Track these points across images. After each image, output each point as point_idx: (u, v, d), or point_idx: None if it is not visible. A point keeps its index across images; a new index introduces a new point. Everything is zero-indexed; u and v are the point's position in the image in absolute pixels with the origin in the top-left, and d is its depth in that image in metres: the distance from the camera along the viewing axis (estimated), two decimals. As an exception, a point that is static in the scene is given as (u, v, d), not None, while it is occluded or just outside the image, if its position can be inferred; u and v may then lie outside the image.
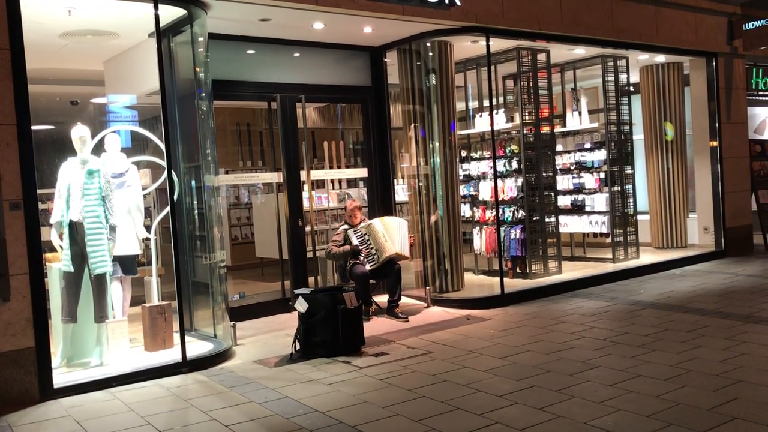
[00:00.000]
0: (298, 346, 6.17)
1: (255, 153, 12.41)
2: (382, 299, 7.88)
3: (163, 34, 6.40)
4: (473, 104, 10.09)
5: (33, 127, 5.29)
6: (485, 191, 9.44)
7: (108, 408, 5.00)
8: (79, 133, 5.94)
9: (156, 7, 5.97)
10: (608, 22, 9.24)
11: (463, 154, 9.85)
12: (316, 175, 8.94)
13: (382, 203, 8.94)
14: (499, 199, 9.04)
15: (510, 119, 9.41)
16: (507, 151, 9.34)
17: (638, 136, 11.28)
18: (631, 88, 10.54)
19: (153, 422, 4.63)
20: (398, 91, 8.89)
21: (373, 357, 6.01)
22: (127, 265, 6.50)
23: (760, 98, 12.37)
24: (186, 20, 6.55)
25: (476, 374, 5.34)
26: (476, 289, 8.78)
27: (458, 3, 7.66)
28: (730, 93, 11.03)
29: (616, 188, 10.00)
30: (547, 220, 9.29)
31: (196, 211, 7.02)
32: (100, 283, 5.87)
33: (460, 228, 8.63)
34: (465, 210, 9.72)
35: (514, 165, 9.23)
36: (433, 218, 8.46)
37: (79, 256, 5.84)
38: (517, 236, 9.08)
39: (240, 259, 11.39)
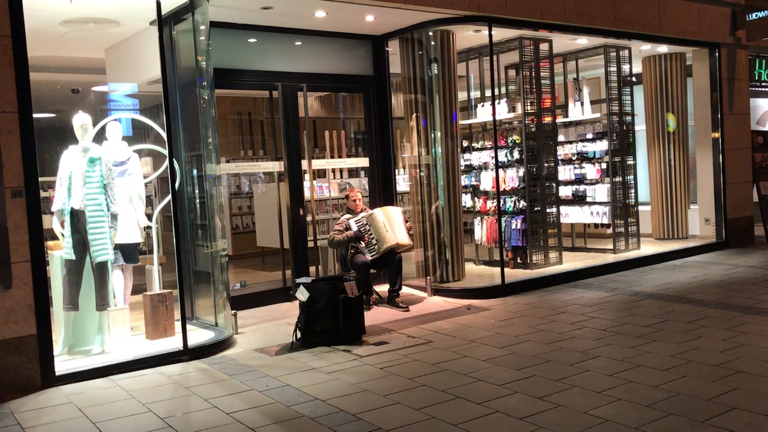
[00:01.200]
0: (298, 335, 6.19)
1: (256, 142, 12.40)
2: (382, 289, 7.90)
3: (165, 23, 6.39)
4: (475, 94, 10.07)
5: (34, 115, 5.28)
6: (486, 181, 9.44)
7: (109, 395, 5.02)
8: (81, 121, 5.93)
9: (157, -5, 5.96)
10: (611, 11, 9.20)
11: (465, 144, 9.83)
12: (318, 164, 8.94)
13: (383, 193, 8.94)
14: (501, 189, 9.04)
15: (512, 109, 9.39)
16: (509, 141, 9.32)
17: (640, 127, 11.26)
18: (634, 79, 10.51)
19: (154, 410, 4.65)
20: (400, 80, 8.87)
21: (374, 346, 6.03)
22: (128, 253, 6.51)
23: (763, 89, 12.32)
24: (187, 8, 6.53)
25: (476, 363, 5.35)
26: (477, 279, 8.79)
27: (461, -8, 7.64)
28: (732, 84, 11.00)
29: (618, 179, 9.99)
30: (548, 210, 9.30)
31: (197, 200, 7.02)
32: (101, 271, 5.88)
33: (461, 218, 8.63)
34: (466, 200, 9.72)
35: (516, 155, 9.22)
36: (434, 208, 8.47)
37: (81, 244, 5.85)
38: (518, 226, 9.08)
39: (241, 248, 11.40)
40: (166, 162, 6.17)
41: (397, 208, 7.91)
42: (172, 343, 6.12)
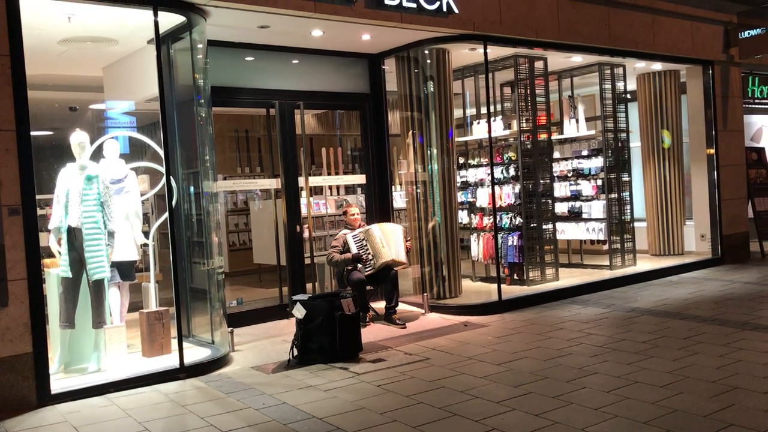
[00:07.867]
0: (295, 353, 6.17)
1: (253, 159, 12.43)
2: (379, 305, 7.89)
3: (163, 41, 6.43)
4: (471, 111, 10.13)
5: (32, 133, 5.30)
6: (483, 198, 9.47)
7: (105, 414, 5.00)
8: (78, 139, 5.95)
9: (155, 14, 5.99)
10: (605, 30, 9.29)
11: (461, 161, 9.87)
12: (314, 181, 8.95)
13: (380, 210, 8.95)
14: (497, 205, 9.06)
15: (507, 126, 9.44)
16: (504, 158, 9.36)
17: (635, 144, 11.33)
18: (628, 96, 10.58)
19: (150, 428, 4.63)
20: (396, 98, 8.92)
21: (371, 363, 6.02)
22: (125, 271, 6.50)
23: (756, 106, 12.42)
24: (185, 27, 6.57)
25: (473, 381, 5.35)
26: (474, 295, 8.79)
27: (456, 11, 7.70)
28: (726, 101, 11.08)
29: (613, 195, 10.03)
30: (544, 227, 9.32)
31: (194, 217, 7.03)
32: (98, 288, 5.87)
33: (457, 235, 8.64)
34: (462, 217, 9.74)
35: (512, 172, 9.26)
36: (430, 225, 8.48)
37: (78, 261, 5.84)
38: (515, 243, 9.10)
39: (238, 265, 11.38)
40: (163, 179, 6.18)
41: (397, 226, 7.92)
42: (169, 360, 6.10)
